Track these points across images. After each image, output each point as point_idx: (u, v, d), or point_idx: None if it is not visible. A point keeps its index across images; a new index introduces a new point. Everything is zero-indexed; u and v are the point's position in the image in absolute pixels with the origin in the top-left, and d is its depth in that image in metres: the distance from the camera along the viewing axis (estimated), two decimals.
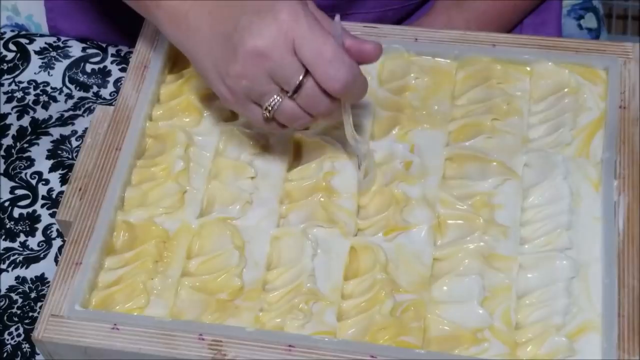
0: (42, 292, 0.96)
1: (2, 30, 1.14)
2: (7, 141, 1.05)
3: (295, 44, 0.73)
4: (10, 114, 1.07)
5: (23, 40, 1.13)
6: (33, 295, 0.96)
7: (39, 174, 1.03)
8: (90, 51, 1.12)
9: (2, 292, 0.96)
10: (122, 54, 1.12)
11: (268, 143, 0.87)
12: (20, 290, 0.96)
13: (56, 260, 0.97)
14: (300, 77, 0.74)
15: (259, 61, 0.74)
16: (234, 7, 0.76)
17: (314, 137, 0.87)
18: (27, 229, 1.00)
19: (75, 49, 1.12)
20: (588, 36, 1.16)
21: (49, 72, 1.11)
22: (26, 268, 0.97)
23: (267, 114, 0.77)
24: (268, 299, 0.79)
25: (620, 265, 0.77)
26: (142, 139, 0.87)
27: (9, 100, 1.09)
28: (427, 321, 0.77)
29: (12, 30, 1.14)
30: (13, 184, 1.02)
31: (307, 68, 0.74)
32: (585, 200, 0.82)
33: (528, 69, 0.89)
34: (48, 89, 1.10)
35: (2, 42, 1.12)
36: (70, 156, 1.04)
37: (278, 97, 0.76)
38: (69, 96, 1.09)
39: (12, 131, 1.06)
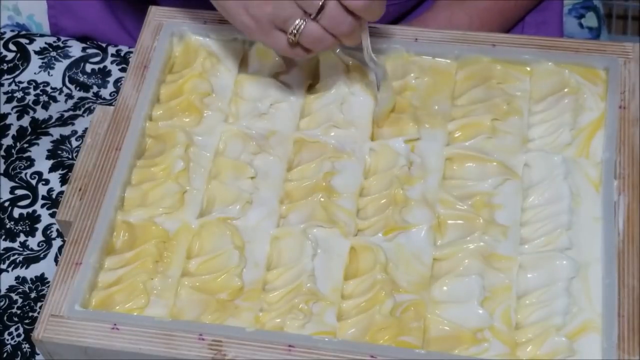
0: (42, 292, 0.96)
1: (3, 30, 1.14)
2: (7, 141, 1.05)
3: None
4: (10, 114, 1.07)
5: (23, 40, 1.13)
6: (33, 295, 0.96)
7: (39, 174, 1.03)
8: (90, 51, 1.12)
9: (2, 292, 0.96)
10: (122, 54, 1.12)
11: (268, 143, 0.87)
12: (20, 290, 0.96)
13: (56, 260, 0.97)
14: None
15: None
16: None
17: (314, 137, 0.87)
18: (27, 229, 1.00)
19: (75, 49, 1.12)
20: (589, 35, 1.16)
21: (49, 72, 1.11)
22: (26, 268, 0.97)
23: (292, 38, 0.79)
24: (268, 299, 0.79)
25: (620, 265, 0.77)
26: (142, 139, 0.87)
27: (9, 100, 1.09)
28: (427, 321, 0.77)
29: (12, 30, 1.14)
30: (13, 184, 1.02)
31: None
32: (585, 200, 0.82)
33: (528, 69, 0.89)
34: (48, 89, 1.10)
35: (2, 42, 1.12)
36: (70, 156, 1.04)
37: (302, 20, 0.78)
38: (69, 96, 1.09)
39: (12, 131, 1.06)
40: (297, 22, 0.78)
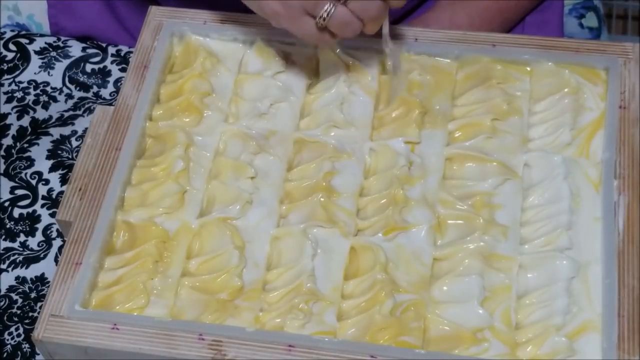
0: (42, 292, 0.96)
1: (3, 30, 1.14)
2: (7, 141, 1.05)
3: None
4: (10, 114, 1.07)
5: (23, 40, 1.13)
6: (33, 295, 0.96)
7: (39, 174, 1.03)
8: (90, 51, 1.12)
9: (2, 292, 0.96)
10: (122, 54, 1.12)
11: (268, 143, 0.87)
12: (20, 290, 0.96)
13: (56, 260, 0.97)
14: None
15: None
16: None
17: (314, 137, 0.87)
18: (27, 229, 1.00)
19: (75, 49, 1.12)
20: (589, 35, 1.16)
21: (49, 72, 1.11)
22: (26, 268, 0.97)
23: (322, 23, 0.81)
24: (268, 299, 0.79)
25: (620, 265, 0.77)
26: (142, 139, 0.87)
27: (9, 100, 1.09)
28: (427, 321, 0.77)
29: (12, 30, 1.14)
30: (13, 184, 1.02)
31: None
32: (585, 200, 0.82)
33: (528, 69, 0.89)
34: (48, 89, 1.10)
35: (2, 42, 1.12)
36: (70, 156, 1.04)
37: (331, 5, 0.80)
38: (69, 96, 1.09)
39: (12, 131, 1.06)
40: (327, 6, 0.80)
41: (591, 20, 1.18)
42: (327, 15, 0.81)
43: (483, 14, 1.06)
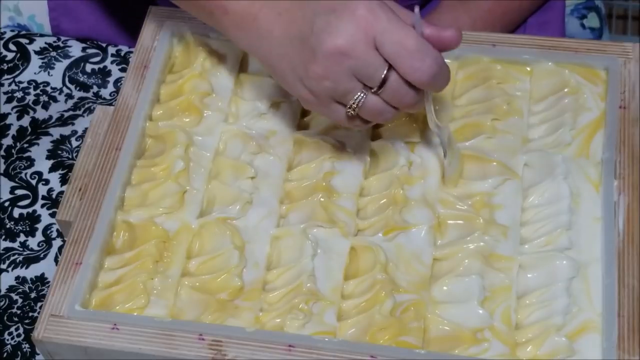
0: (42, 292, 0.96)
1: (3, 30, 1.14)
2: (7, 141, 1.05)
3: (376, 40, 0.73)
4: (10, 114, 1.07)
5: (23, 40, 1.13)
6: (33, 295, 0.96)
7: (39, 174, 1.03)
8: (90, 51, 1.12)
9: (2, 292, 0.96)
10: (122, 54, 1.12)
11: (268, 143, 0.87)
12: (20, 290, 0.96)
13: (56, 260, 0.97)
14: (385, 72, 0.74)
15: (340, 60, 0.73)
16: (306, 8, 0.75)
17: (314, 137, 0.87)
18: (27, 229, 1.00)
19: (75, 49, 1.12)
20: (591, 35, 1.16)
21: (49, 72, 1.11)
22: (26, 268, 0.97)
23: (352, 112, 0.76)
24: (268, 299, 0.79)
25: (620, 265, 0.77)
26: (142, 139, 0.87)
27: (9, 100, 1.09)
28: (427, 321, 0.77)
29: (12, 30, 1.14)
30: (13, 184, 1.02)
31: (389, 62, 0.74)
32: (585, 200, 0.82)
33: (528, 69, 0.89)
34: (48, 89, 1.10)
35: (2, 42, 1.12)
36: (70, 156, 1.04)
37: (362, 94, 0.75)
38: (69, 96, 1.09)
39: (12, 131, 1.06)
40: (357, 95, 0.75)
41: (593, 20, 1.18)
42: (357, 105, 0.75)
43: (485, 17, 1.06)
